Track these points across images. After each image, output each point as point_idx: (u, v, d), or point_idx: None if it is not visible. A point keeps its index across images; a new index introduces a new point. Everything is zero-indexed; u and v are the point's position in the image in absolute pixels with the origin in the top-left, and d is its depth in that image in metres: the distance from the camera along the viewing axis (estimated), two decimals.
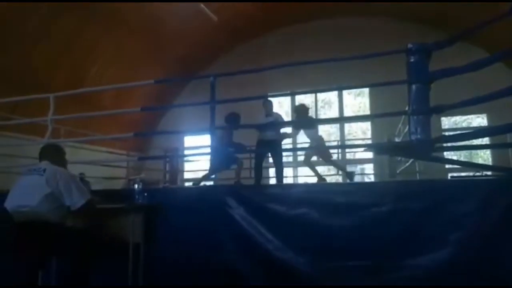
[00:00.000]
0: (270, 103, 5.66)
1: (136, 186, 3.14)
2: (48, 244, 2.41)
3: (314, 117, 6.24)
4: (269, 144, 5.37)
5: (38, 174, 2.54)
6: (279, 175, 5.54)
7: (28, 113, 6.60)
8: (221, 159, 5.27)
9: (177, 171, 9.09)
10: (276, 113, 5.70)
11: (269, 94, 10.88)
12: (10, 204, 2.49)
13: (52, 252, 2.63)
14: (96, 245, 2.59)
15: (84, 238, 2.58)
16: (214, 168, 5.68)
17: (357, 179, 11.42)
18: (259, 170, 5.56)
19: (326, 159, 5.68)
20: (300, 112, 5.72)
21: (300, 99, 12.33)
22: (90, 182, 8.86)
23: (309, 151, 5.63)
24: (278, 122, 5.65)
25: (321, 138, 5.76)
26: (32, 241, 2.34)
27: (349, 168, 11.50)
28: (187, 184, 10.02)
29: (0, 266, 2.92)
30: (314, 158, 5.82)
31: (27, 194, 2.47)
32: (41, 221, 2.40)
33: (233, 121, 5.34)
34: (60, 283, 2.88)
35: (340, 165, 5.86)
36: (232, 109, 5.45)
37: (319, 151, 5.52)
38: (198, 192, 3.67)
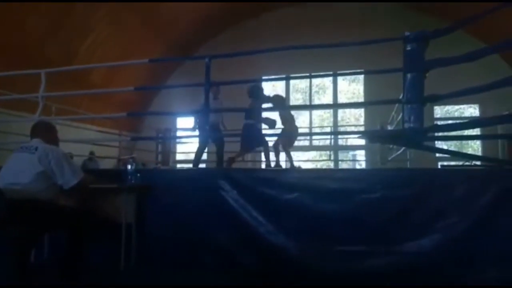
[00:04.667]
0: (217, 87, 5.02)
1: (128, 166, 3.13)
2: (40, 223, 2.41)
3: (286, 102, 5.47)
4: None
5: (30, 152, 2.50)
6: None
7: (18, 88, 6.45)
8: (255, 137, 4.65)
9: (169, 152, 9.05)
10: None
11: (264, 77, 10.84)
12: (2, 181, 2.47)
13: (44, 230, 2.64)
14: (88, 224, 2.60)
15: (77, 217, 2.58)
16: (246, 147, 5.00)
17: (348, 165, 11.57)
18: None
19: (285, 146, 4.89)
20: (274, 101, 4.99)
21: (295, 83, 12.29)
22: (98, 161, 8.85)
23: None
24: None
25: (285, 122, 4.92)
26: (24, 219, 2.34)
27: (341, 154, 11.64)
28: (179, 166, 10.01)
29: None
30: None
31: (19, 172, 2.45)
32: (33, 199, 2.39)
33: (256, 93, 4.71)
34: (53, 262, 2.90)
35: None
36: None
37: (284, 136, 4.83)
38: (190, 174, 3.67)
